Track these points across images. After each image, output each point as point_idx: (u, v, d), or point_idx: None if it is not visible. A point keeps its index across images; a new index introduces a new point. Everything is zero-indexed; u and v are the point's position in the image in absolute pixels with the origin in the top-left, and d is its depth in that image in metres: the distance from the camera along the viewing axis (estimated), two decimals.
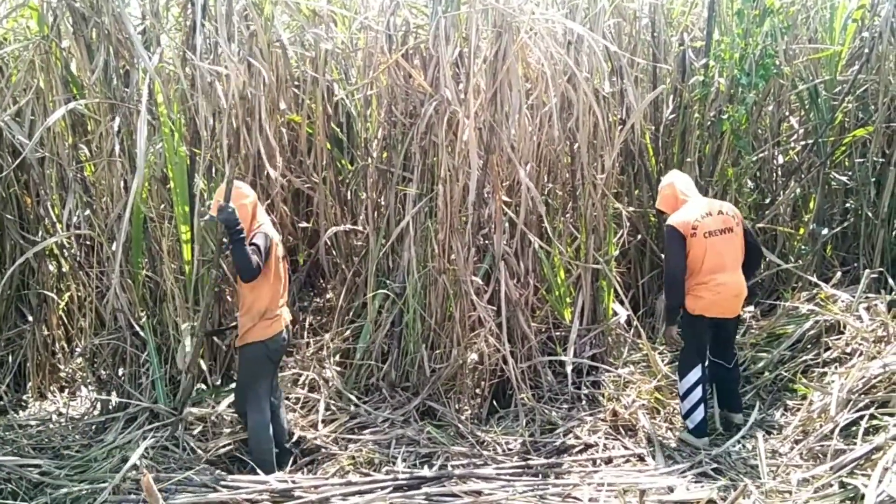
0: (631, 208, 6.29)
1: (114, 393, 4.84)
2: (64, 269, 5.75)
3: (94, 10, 4.51)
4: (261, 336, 4.09)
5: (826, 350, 5.04)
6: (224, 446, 4.45)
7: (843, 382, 4.43)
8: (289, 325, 4.31)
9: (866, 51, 6.35)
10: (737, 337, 5.14)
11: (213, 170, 4.93)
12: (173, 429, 4.43)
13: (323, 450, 4.54)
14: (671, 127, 6.63)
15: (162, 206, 4.85)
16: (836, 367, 4.84)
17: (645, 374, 5.41)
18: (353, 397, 4.97)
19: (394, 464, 4.24)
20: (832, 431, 4.10)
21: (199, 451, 4.34)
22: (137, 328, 4.81)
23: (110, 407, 4.83)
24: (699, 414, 4.56)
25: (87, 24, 4.61)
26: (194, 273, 4.75)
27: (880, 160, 6.35)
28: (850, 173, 6.66)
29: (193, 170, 4.81)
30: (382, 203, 5.38)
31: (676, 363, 4.88)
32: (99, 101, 4.64)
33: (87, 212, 5.15)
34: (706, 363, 4.63)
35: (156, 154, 4.77)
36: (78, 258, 5.40)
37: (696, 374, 4.56)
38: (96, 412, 4.94)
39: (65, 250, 5.55)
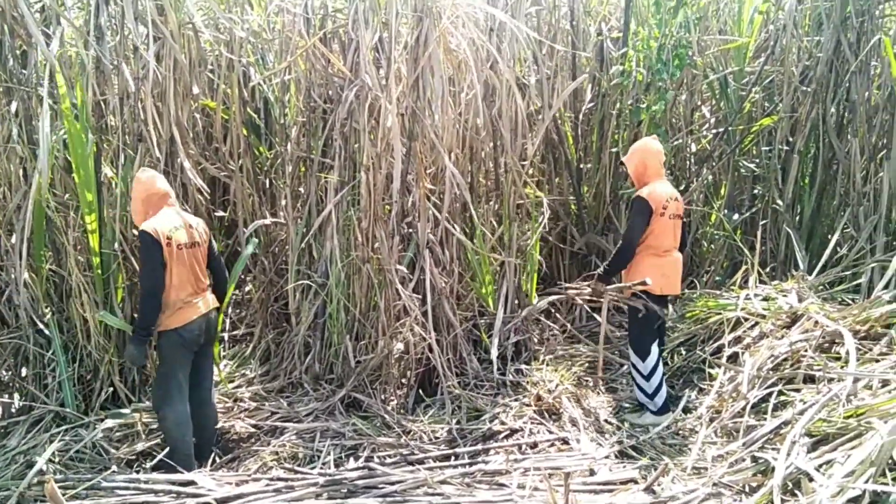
0: (552, 196, 6.36)
1: (16, 395, 4.57)
2: None
3: None
4: (173, 324, 4.00)
5: (736, 338, 5.20)
6: (141, 445, 4.26)
7: (754, 360, 4.61)
8: (209, 313, 4.11)
9: (771, 43, 6.63)
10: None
11: (123, 157, 4.68)
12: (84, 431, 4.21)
13: (244, 445, 4.41)
14: (590, 115, 6.74)
15: (66, 195, 4.58)
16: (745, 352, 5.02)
17: (567, 359, 5.51)
18: (268, 396, 4.86)
19: (318, 458, 4.16)
20: (744, 409, 4.27)
21: (114, 452, 4.14)
22: (41, 326, 4.54)
23: (13, 410, 4.57)
24: (663, 392, 4.65)
25: None
26: (102, 266, 4.52)
27: (785, 148, 6.64)
28: (757, 161, 6.95)
29: (100, 157, 4.56)
30: (302, 191, 5.25)
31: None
32: None
33: None
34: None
35: (59, 141, 4.49)
36: None
37: (655, 351, 4.66)
38: None
39: None
